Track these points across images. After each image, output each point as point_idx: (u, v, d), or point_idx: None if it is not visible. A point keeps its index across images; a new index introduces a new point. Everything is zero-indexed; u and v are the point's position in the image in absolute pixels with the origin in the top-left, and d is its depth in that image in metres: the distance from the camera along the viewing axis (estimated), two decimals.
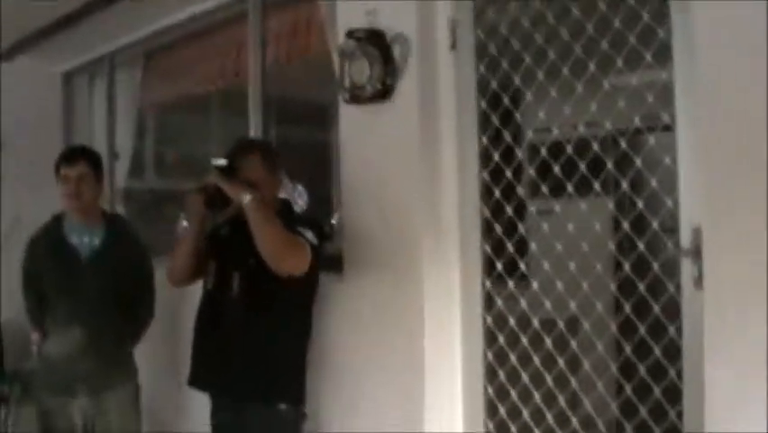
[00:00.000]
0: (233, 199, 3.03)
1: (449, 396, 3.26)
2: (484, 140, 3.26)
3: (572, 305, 3.06)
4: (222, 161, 3.14)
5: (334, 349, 3.50)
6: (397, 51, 3.24)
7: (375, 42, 3.26)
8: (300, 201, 4.54)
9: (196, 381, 3.32)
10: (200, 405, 3.41)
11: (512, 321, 3.17)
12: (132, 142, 5.75)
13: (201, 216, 3.19)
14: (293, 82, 5.00)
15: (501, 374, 3.19)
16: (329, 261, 3.61)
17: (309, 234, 3.10)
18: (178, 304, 3.86)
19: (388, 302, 3.30)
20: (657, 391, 2.70)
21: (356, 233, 3.42)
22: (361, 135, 3.42)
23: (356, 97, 3.37)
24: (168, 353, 4.27)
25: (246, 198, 2.97)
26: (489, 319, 3.23)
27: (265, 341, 3.14)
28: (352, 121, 3.45)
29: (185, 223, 3.30)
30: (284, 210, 3.29)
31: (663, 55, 2.67)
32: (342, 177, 3.49)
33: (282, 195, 3.49)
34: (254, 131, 4.34)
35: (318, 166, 5.77)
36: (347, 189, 3.47)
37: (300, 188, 4.63)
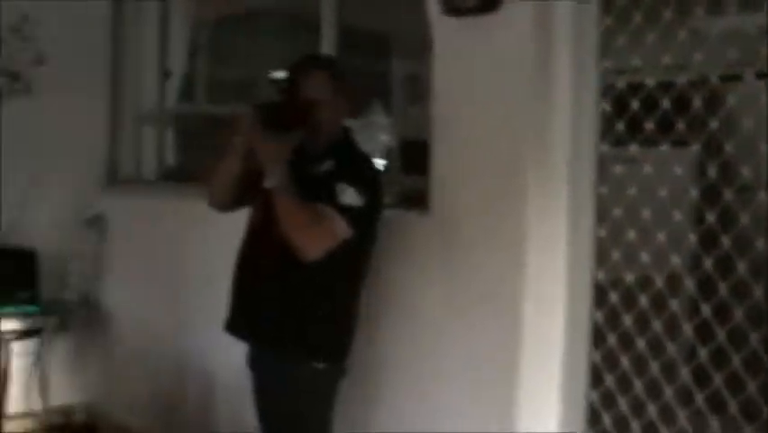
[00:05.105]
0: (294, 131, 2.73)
1: (547, 361, 2.81)
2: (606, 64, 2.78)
3: None
4: (281, 74, 2.81)
5: (409, 294, 3.11)
6: None
7: None
8: None
9: (231, 328, 2.98)
10: None
11: (630, 278, 2.72)
12: (183, 62, 5.31)
13: (252, 136, 2.74)
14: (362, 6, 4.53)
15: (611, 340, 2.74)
16: (411, 196, 3.25)
17: (349, 195, 2.72)
18: None
19: (481, 246, 2.86)
20: None
21: (449, 165, 2.96)
22: (459, 53, 2.94)
23: (455, 8, 2.89)
24: None
25: (272, 182, 2.67)
26: (602, 275, 2.77)
27: (303, 295, 2.81)
28: (448, 36, 2.97)
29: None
30: (339, 147, 2.90)
31: None
32: (434, 100, 3.02)
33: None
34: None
35: (380, 99, 5.33)
36: (439, 115, 3.00)
37: None
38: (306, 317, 2.82)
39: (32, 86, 4.78)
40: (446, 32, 2.98)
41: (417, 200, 3.12)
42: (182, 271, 4.41)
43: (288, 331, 2.82)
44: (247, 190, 2.87)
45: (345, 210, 2.70)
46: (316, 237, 2.68)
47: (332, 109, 2.83)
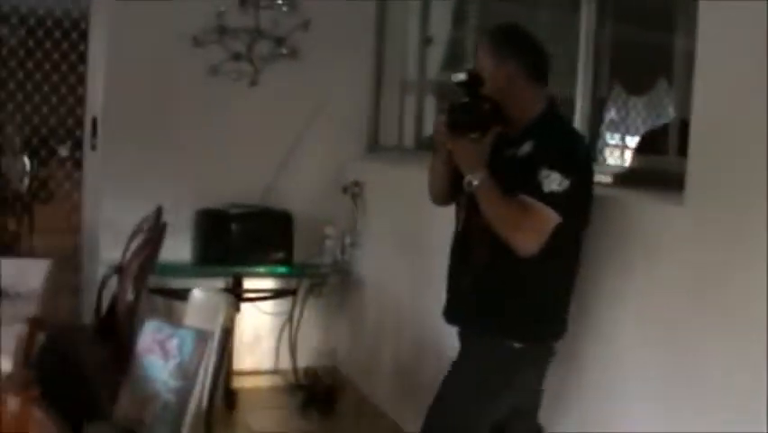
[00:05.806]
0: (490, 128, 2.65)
1: None
2: None
3: None
4: (462, 76, 2.66)
5: (649, 285, 2.82)
6: None
7: None
8: None
9: (446, 316, 3.00)
10: None
11: None
12: (448, 29, 5.18)
13: (446, 140, 2.70)
14: None
15: None
16: (662, 177, 2.99)
17: (553, 180, 2.60)
18: None
19: (734, 249, 2.50)
20: None
21: (708, 153, 2.62)
22: (725, 30, 2.58)
23: None
24: None
25: (474, 182, 2.62)
26: None
27: (509, 280, 2.77)
28: (714, 11, 2.61)
29: None
30: (539, 126, 2.75)
31: None
32: (696, 79, 2.68)
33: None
34: (585, 25, 3.59)
35: (658, 74, 4.93)
36: (701, 95, 2.66)
37: None
38: (508, 299, 2.77)
39: (297, 51, 4.86)
40: (711, 6, 2.62)
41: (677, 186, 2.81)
42: (431, 243, 4.31)
43: (488, 310, 2.79)
44: (457, 188, 2.82)
45: (551, 197, 2.58)
46: (528, 233, 2.62)
47: (492, 81, 2.69)
